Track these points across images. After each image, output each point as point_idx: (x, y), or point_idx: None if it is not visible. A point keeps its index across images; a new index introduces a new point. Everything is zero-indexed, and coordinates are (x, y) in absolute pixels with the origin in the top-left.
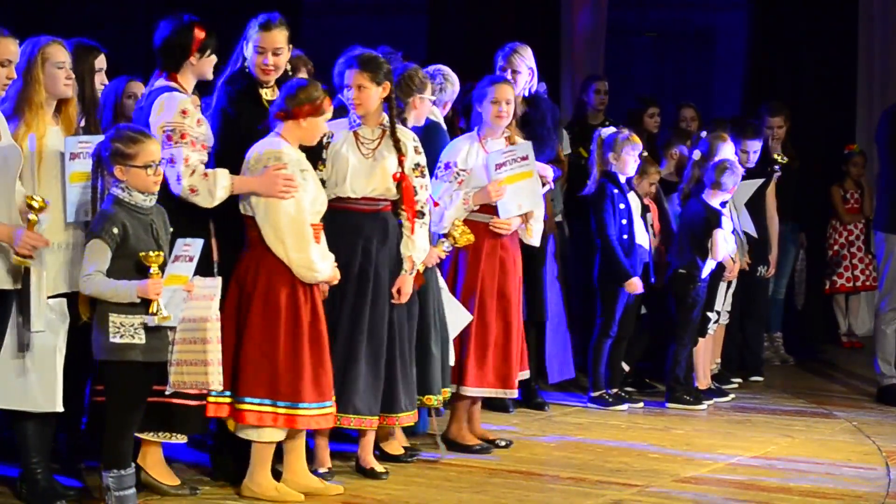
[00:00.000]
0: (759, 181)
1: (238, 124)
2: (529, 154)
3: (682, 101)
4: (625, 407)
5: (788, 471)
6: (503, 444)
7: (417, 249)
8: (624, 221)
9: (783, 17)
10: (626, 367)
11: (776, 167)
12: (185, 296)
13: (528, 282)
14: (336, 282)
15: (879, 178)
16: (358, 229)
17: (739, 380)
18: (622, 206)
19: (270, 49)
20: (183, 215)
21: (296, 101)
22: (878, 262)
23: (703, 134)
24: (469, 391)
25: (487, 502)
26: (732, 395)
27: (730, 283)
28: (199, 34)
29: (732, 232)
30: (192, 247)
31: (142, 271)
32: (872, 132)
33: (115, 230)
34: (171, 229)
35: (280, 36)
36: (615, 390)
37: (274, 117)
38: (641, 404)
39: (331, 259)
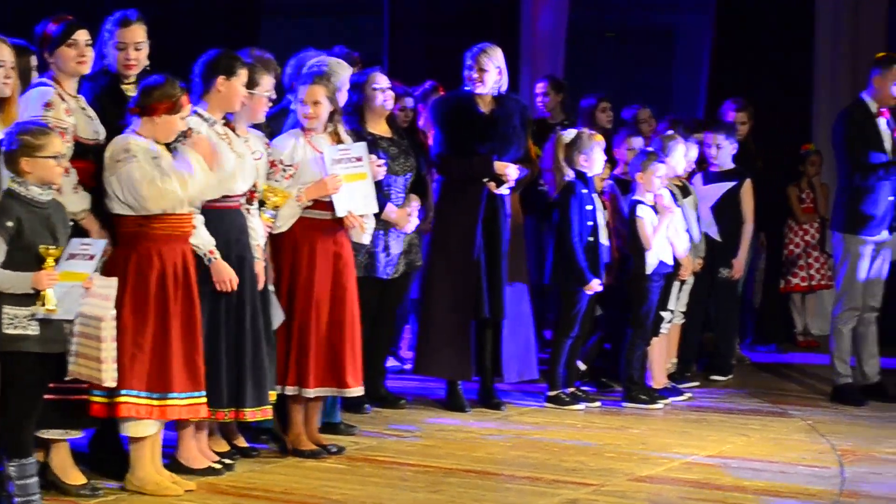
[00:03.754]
0: (730, 184)
1: (103, 120)
2: (363, 156)
3: (640, 101)
4: (581, 406)
5: (743, 469)
6: (334, 449)
7: (259, 236)
8: (590, 223)
9: (742, 17)
10: (582, 367)
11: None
12: (83, 292)
13: (488, 279)
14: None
15: (837, 179)
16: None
17: (697, 382)
18: (589, 207)
19: (131, 44)
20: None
21: (151, 98)
22: (834, 261)
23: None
24: (310, 392)
25: (443, 502)
26: (689, 395)
27: (683, 282)
28: (52, 28)
29: (686, 231)
30: (92, 246)
31: (42, 263)
32: (829, 132)
33: (10, 223)
34: (72, 223)
35: (140, 31)
36: (572, 390)
37: (129, 113)
38: (598, 404)
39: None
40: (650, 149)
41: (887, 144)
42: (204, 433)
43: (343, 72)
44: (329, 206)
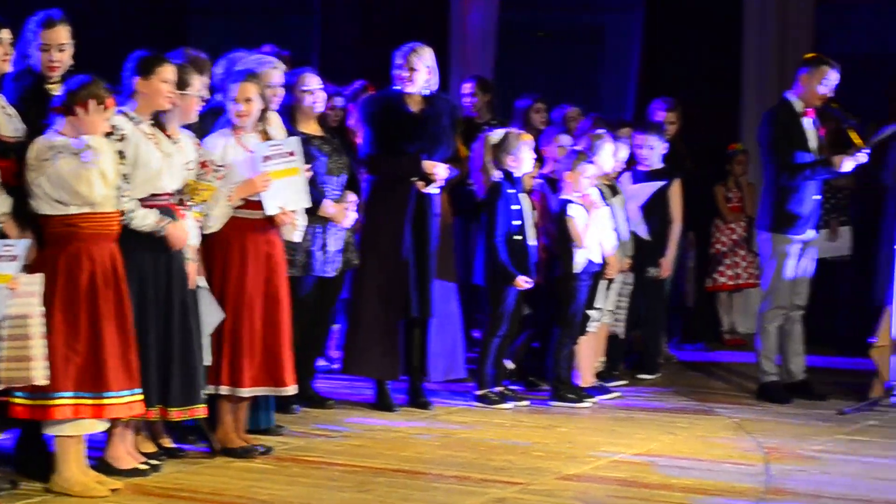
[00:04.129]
0: (659, 183)
1: (26, 120)
2: (297, 150)
3: (570, 100)
4: (509, 405)
5: (670, 467)
6: (262, 449)
7: (192, 236)
8: (517, 222)
9: (671, 17)
10: (510, 366)
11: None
12: (9, 294)
13: (416, 279)
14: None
15: (763, 178)
16: None
17: (624, 381)
18: (516, 206)
19: (55, 46)
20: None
21: (76, 98)
22: (760, 260)
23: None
24: (244, 392)
25: (371, 501)
26: (617, 393)
27: (611, 281)
28: None
29: (614, 230)
30: (15, 247)
31: None
32: (756, 132)
33: None
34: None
35: (64, 32)
36: (500, 389)
37: (54, 112)
38: (526, 403)
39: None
40: (580, 148)
41: (813, 144)
42: (131, 433)
43: (274, 71)
44: (260, 205)
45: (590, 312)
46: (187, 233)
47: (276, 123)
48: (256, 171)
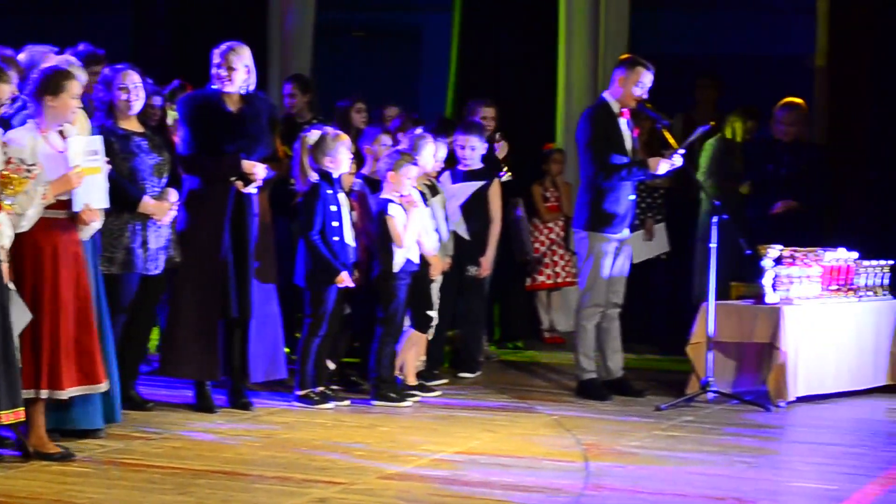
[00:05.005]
0: (479, 183)
1: None
2: (99, 149)
3: (388, 100)
4: (331, 405)
5: (491, 465)
6: (63, 453)
7: (4, 236)
8: (335, 223)
9: (486, 17)
10: (331, 366)
11: (501, 174)
12: None
13: (236, 279)
14: None
15: (580, 178)
16: None
17: (445, 380)
18: (334, 207)
19: None
20: None
21: None
22: (578, 259)
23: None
24: (63, 394)
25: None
26: (438, 392)
27: (432, 281)
28: None
29: (435, 230)
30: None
31: None
32: (572, 132)
33: None
34: None
35: None
36: (321, 389)
37: None
38: (347, 402)
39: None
40: (402, 148)
41: (628, 145)
42: None
43: (80, 71)
44: (65, 204)
45: (430, 313)
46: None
47: (80, 120)
48: (69, 168)
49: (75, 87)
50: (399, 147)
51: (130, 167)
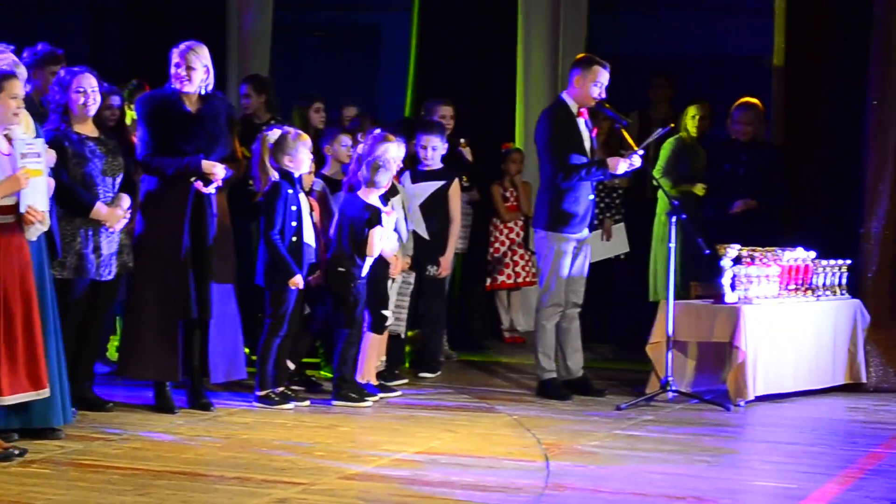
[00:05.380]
0: (439, 183)
1: None
2: (42, 152)
3: (346, 99)
4: (291, 406)
5: (451, 465)
6: (17, 452)
7: None
8: (294, 223)
9: (445, 17)
10: (291, 366)
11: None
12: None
13: (195, 279)
14: None
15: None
16: None
17: (405, 380)
18: (294, 207)
19: None
20: None
21: None
22: (537, 259)
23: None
24: (7, 400)
25: None
26: (399, 392)
27: (392, 280)
28: None
29: (395, 230)
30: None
31: None
32: (531, 131)
33: None
34: None
35: None
36: (281, 389)
37: None
38: (308, 403)
39: None
40: (363, 151)
41: (587, 145)
42: None
43: (23, 70)
44: (10, 209)
45: (385, 313)
46: None
47: (25, 122)
48: (16, 169)
49: (16, 87)
50: (372, 152)
51: (83, 172)
